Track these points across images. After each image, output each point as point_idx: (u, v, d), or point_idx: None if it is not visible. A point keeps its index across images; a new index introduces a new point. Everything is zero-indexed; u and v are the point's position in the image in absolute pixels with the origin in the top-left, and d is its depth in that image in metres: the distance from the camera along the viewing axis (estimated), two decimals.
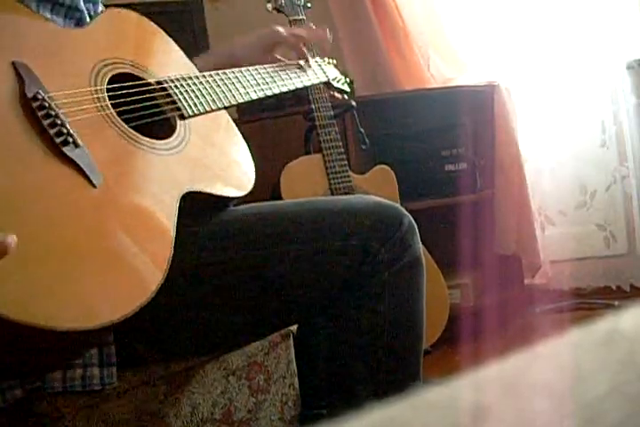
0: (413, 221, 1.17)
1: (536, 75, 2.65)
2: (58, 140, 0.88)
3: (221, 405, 1.18)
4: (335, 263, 1.12)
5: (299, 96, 2.31)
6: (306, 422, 1.30)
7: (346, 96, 1.60)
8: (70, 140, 0.89)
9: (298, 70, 1.36)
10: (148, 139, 1.02)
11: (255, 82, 1.24)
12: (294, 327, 1.32)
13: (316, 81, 1.41)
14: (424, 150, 2.58)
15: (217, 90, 1.16)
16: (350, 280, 1.13)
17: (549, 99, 2.65)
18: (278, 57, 1.38)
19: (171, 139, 1.07)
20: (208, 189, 1.07)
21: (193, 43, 2.77)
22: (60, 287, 0.80)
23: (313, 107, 2.06)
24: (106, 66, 1.03)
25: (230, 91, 1.18)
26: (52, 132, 0.88)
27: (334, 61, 1.53)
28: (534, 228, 2.62)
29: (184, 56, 1.23)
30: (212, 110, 1.15)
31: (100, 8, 1.19)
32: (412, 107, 2.65)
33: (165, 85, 1.10)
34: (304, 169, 2.07)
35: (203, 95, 1.13)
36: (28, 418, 0.98)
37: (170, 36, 1.20)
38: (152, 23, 1.17)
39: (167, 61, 1.17)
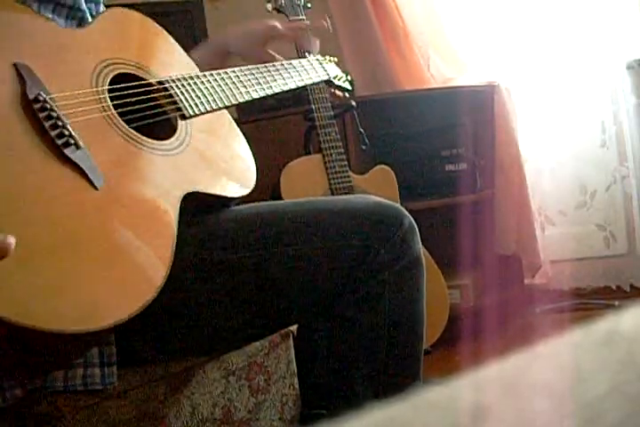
0: (413, 221, 1.17)
1: (536, 75, 2.65)
2: (59, 142, 0.88)
3: (221, 405, 1.17)
4: (335, 263, 1.12)
5: (298, 96, 2.31)
6: (306, 422, 1.30)
7: (347, 94, 1.60)
8: (72, 142, 0.89)
9: (299, 68, 1.35)
10: (149, 139, 1.02)
11: (256, 81, 1.24)
12: (294, 327, 1.31)
13: (318, 79, 1.41)
14: (424, 150, 2.58)
15: (218, 89, 1.16)
16: (350, 280, 1.12)
17: (549, 99, 2.65)
18: (271, 52, 1.38)
19: (172, 139, 1.07)
20: (210, 190, 1.07)
21: (193, 43, 2.77)
22: (63, 288, 0.79)
23: (313, 107, 2.06)
24: (107, 66, 1.03)
25: (231, 90, 1.18)
26: (53, 133, 0.88)
27: (335, 59, 1.52)
28: (534, 228, 2.62)
29: (187, 56, 1.23)
30: (214, 110, 1.15)
31: (102, 8, 1.19)
32: (412, 107, 2.65)
33: (167, 85, 1.10)
34: (304, 169, 2.07)
35: (204, 95, 1.13)
36: (28, 418, 0.98)
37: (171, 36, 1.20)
38: (155, 23, 1.17)
39: (169, 62, 1.17)
